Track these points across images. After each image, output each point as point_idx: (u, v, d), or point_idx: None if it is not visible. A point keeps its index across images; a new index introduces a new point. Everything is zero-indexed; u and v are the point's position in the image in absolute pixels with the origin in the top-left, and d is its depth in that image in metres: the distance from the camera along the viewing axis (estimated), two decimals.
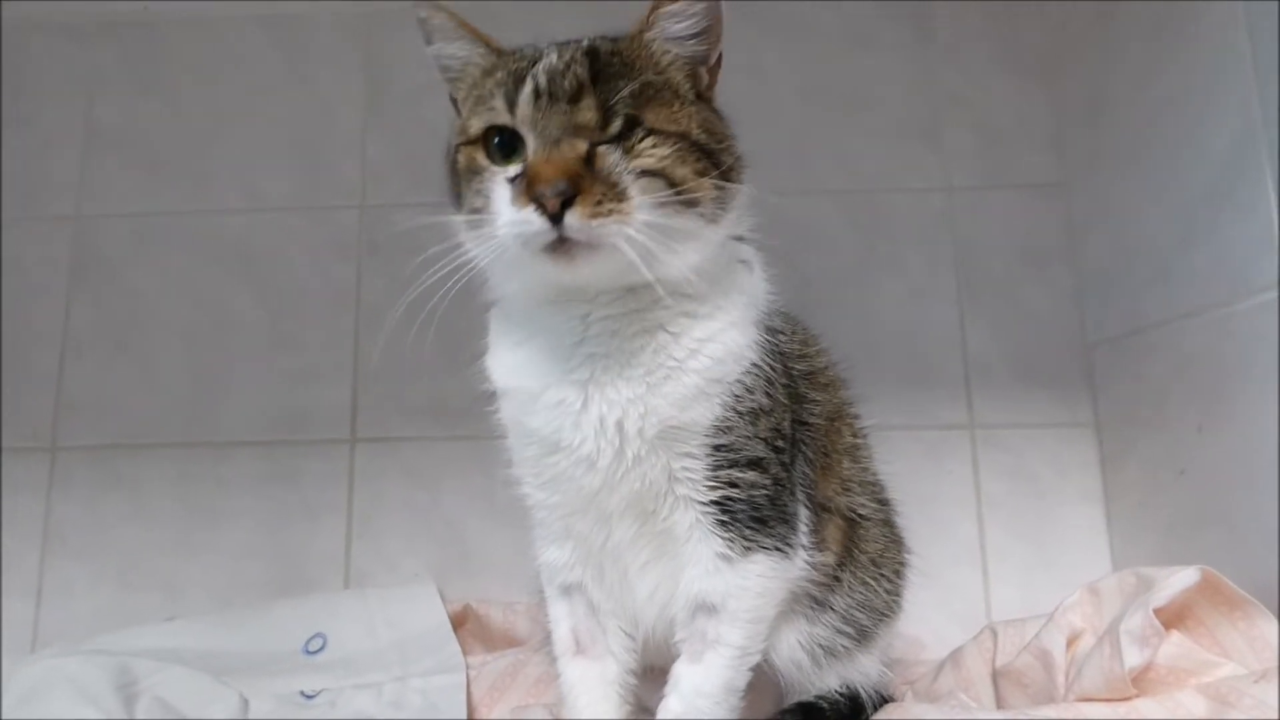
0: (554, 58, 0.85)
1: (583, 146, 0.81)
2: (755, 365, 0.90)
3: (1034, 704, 1.04)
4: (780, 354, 0.95)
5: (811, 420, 0.99)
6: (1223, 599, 1.00)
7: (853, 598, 1.00)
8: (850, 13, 1.69)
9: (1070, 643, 1.07)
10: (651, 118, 0.84)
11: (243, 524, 1.54)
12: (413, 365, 1.54)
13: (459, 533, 1.54)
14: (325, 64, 1.70)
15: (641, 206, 0.80)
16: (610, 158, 0.81)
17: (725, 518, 0.89)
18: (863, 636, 1.01)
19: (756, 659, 0.91)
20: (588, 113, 0.82)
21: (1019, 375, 1.58)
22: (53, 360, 1.61)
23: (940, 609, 1.41)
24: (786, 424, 0.94)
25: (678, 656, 0.90)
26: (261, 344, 1.61)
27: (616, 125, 0.82)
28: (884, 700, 1.07)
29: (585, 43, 0.88)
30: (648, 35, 0.88)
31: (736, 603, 0.88)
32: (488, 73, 0.89)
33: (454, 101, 0.95)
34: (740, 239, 0.94)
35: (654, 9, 0.88)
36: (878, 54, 1.68)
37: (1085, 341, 1.57)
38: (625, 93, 0.83)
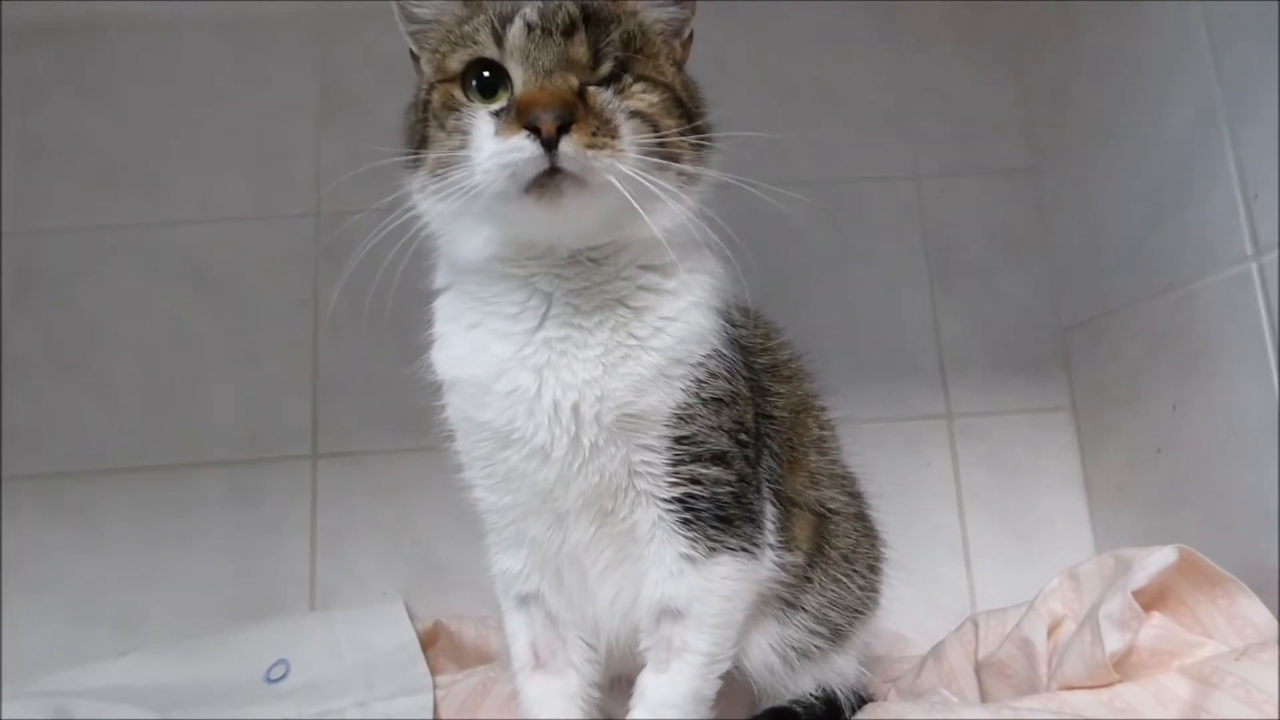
0: (540, 2, 0.84)
1: (575, 81, 0.80)
2: (718, 351, 0.87)
3: (1018, 694, 1.02)
4: (741, 347, 0.92)
5: (775, 414, 0.96)
6: (1202, 577, 0.99)
7: (825, 596, 0.97)
8: (816, 9, 1.66)
9: (1051, 630, 1.06)
10: (639, 66, 0.84)
11: (203, 549, 1.48)
12: (373, 375, 1.51)
13: (428, 547, 1.49)
14: (278, 68, 1.65)
15: (632, 146, 0.79)
16: (602, 96, 0.81)
17: (688, 516, 0.85)
18: (837, 636, 0.98)
19: (726, 665, 0.87)
20: (580, 48, 0.81)
21: (995, 362, 1.56)
22: None
23: (923, 603, 1.38)
24: (750, 417, 0.90)
25: (643, 666, 0.87)
26: (217, 359, 1.55)
27: (607, 67, 0.82)
28: (863, 701, 1.04)
29: None
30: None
31: (702, 607, 0.85)
32: (463, 20, 0.87)
33: (414, 58, 0.92)
34: (705, 220, 0.90)
35: None
36: (845, 47, 1.66)
37: (1060, 325, 1.56)
38: (615, 37, 0.82)
